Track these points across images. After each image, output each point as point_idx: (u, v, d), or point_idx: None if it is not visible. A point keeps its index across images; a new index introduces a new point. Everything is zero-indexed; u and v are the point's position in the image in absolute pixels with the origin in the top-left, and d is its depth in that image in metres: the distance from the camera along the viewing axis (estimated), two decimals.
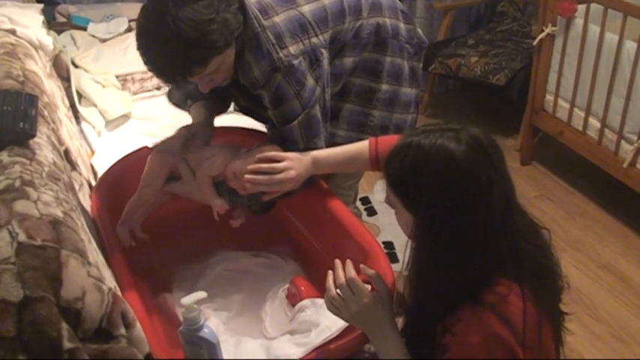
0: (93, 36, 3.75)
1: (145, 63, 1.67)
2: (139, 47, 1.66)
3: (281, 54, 1.78)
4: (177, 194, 1.99)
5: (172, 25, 1.57)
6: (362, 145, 1.84)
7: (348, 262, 1.51)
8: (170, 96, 2.19)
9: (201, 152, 1.93)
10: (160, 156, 1.93)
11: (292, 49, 1.79)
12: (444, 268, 1.33)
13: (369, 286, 1.49)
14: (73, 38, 3.66)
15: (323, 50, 1.87)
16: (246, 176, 1.80)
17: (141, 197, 1.93)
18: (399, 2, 2.13)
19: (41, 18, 2.80)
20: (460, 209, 1.29)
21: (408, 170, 1.33)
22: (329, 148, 1.92)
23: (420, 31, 2.16)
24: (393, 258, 2.77)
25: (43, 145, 1.62)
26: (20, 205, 1.29)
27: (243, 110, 2.13)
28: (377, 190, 3.55)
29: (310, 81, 1.84)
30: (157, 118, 3.02)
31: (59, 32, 3.63)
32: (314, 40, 1.84)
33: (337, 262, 1.51)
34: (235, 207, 1.95)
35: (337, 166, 1.92)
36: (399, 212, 1.41)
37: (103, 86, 3.13)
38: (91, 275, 1.28)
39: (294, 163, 1.82)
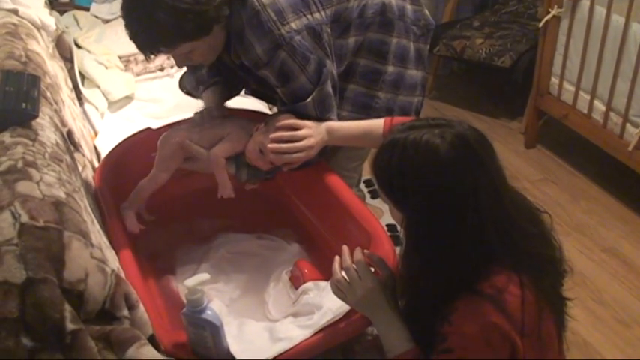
0: (96, 16, 3.73)
1: (126, 31, 1.72)
2: (123, 18, 1.71)
3: (282, 30, 1.76)
4: (191, 170, 1.99)
5: (150, 6, 1.63)
6: (377, 122, 1.84)
7: (358, 249, 1.51)
8: (181, 83, 2.21)
9: (214, 129, 1.93)
10: (173, 141, 1.93)
11: (294, 24, 1.78)
12: (433, 265, 1.33)
13: (373, 269, 1.49)
14: (75, 19, 3.65)
15: (325, 26, 1.85)
16: (269, 146, 1.83)
17: (156, 182, 1.94)
18: None
19: None
20: (446, 207, 1.29)
21: (394, 169, 1.33)
22: (343, 121, 1.94)
23: (427, 12, 2.13)
24: (396, 240, 2.75)
25: (45, 126, 1.62)
26: (23, 186, 1.28)
27: (254, 93, 2.14)
28: None
29: (316, 56, 1.82)
30: (160, 99, 3.02)
31: (62, 13, 3.62)
32: (316, 15, 1.83)
33: (345, 247, 1.52)
34: (251, 180, 1.97)
35: (350, 139, 1.92)
36: (391, 208, 1.42)
37: (106, 67, 3.13)
38: (94, 257, 1.28)
39: (312, 131, 1.85)
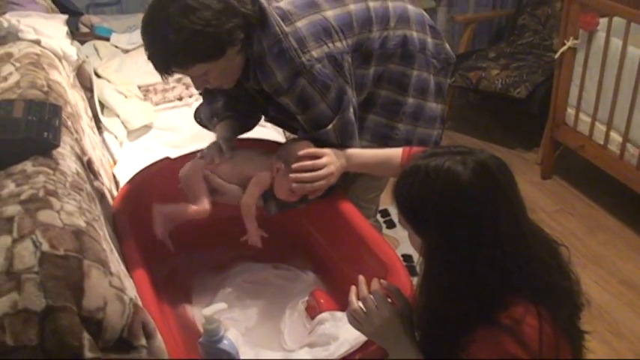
0: (116, 46, 3.78)
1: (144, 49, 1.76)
2: (141, 34, 1.75)
3: (303, 58, 1.78)
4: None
5: (163, 26, 1.67)
6: (395, 151, 1.85)
7: (375, 279, 1.51)
8: (197, 114, 2.23)
9: (237, 165, 1.96)
10: (196, 173, 1.96)
11: (315, 52, 1.80)
12: (451, 294, 1.32)
13: (389, 300, 1.49)
14: (96, 49, 3.70)
15: (346, 55, 1.86)
16: (291, 175, 1.84)
17: (191, 209, 1.95)
18: (427, 16, 2.12)
19: (65, 29, 2.82)
20: (466, 234, 1.28)
21: (415, 195, 1.33)
22: (362, 149, 1.95)
23: (447, 46, 2.14)
24: (412, 271, 2.76)
25: (66, 155, 1.63)
26: (44, 215, 1.30)
27: (273, 120, 2.14)
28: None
29: (337, 84, 1.83)
30: (178, 128, 3.04)
31: (82, 42, 3.66)
32: (338, 44, 1.84)
33: (361, 278, 1.51)
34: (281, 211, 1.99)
35: (368, 167, 1.94)
36: (410, 234, 1.41)
37: (126, 97, 3.15)
38: (113, 285, 1.29)
39: (332, 158, 1.86)
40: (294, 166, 1.85)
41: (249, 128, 2.17)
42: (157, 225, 1.92)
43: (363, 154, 1.92)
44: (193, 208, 1.93)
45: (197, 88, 1.94)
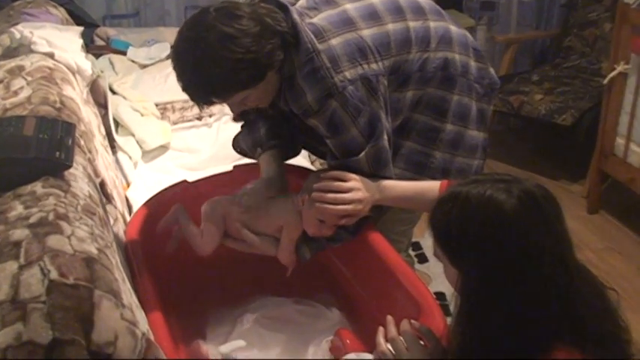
0: (132, 61, 3.82)
1: (177, 79, 1.76)
2: (173, 66, 1.76)
3: (336, 79, 1.78)
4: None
5: (200, 58, 1.68)
6: (432, 184, 1.84)
7: (405, 320, 1.49)
8: (235, 143, 2.24)
9: (266, 215, 1.95)
10: (212, 216, 1.96)
11: (348, 73, 1.79)
12: (488, 335, 1.30)
13: (421, 342, 1.47)
14: (111, 63, 3.74)
15: (381, 78, 1.86)
16: (314, 194, 1.84)
17: (191, 244, 1.96)
18: (471, 38, 2.11)
19: (80, 41, 2.86)
20: (507, 268, 1.27)
21: (453, 223, 1.32)
22: (396, 180, 1.93)
23: (492, 71, 2.13)
24: (445, 311, 2.73)
25: (78, 177, 1.64)
26: (53, 240, 1.30)
27: (302, 145, 2.15)
28: (429, 235, 3.51)
29: (370, 107, 1.83)
30: (196, 150, 3.05)
31: (97, 56, 3.71)
32: (373, 65, 1.83)
33: (389, 318, 1.50)
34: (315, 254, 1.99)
35: (402, 200, 1.92)
36: (446, 266, 1.40)
37: (142, 115, 3.18)
38: (125, 318, 1.28)
39: (360, 184, 1.85)
40: (316, 185, 1.85)
41: (297, 153, 2.19)
42: (166, 221, 1.96)
43: (397, 186, 1.91)
44: (198, 243, 1.95)
45: (234, 112, 1.95)
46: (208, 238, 1.94)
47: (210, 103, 1.79)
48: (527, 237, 1.26)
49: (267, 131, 2.09)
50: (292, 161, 2.19)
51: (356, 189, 1.84)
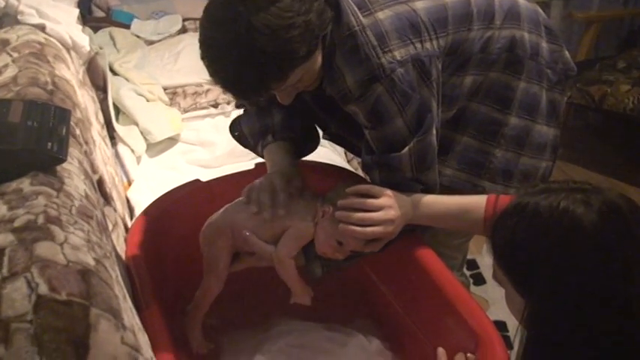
0: (137, 36, 3.84)
1: (211, 75, 1.68)
2: (204, 57, 1.67)
3: (383, 59, 1.76)
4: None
5: (245, 35, 1.58)
6: (477, 199, 1.82)
7: (460, 354, 1.49)
8: (234, 127, 2.20)
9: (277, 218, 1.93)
10: (219, 234, 1.95)
11: (398, 53, 1.77)
12: None
13: None
14: (112, 38, 3.75)
15: (435, 59, 1.83)
16: (338, 214, 1.81)
17: (208, 288, 1.96)
18: (542, 14, 2.09)
19: (76, 12, 2.86)
20: (586, 297, 1.25)
21: (519, 241, 1.31)
22: (435, 195, 1.90)
23: (567, 54, 2.11)
24: (506, 342, 2.71)
25: (73, 173, 1.64)
26: (43, 248, 1.30)
27: (334, 138, 2.14)
28: (487, 252, 3.49)
29: (420, 96, 1.80)
30: (211, 143, 3.07)
31: (95, 30, 3.72)
32: (427, 44, 1.81)
33: (441, 350, 1.50)
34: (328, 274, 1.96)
35: (440, 219, 1.90)
36: (508, 293, 1.39)
37: (147, 100, 3.19)
38: (125, 342, 1.29)
39: (393, 202, 1.81)
40: (340, 202, 1.82)
41: (307, 153, 2.17)
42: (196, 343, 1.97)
43: (436, 202, 1.87)
44: (207, 283, 1.96)
45: (286, 101, 1.83)
46: (216, 276, 1.95)
47: (266, 93, 1.70)
48: (610, 258, 1.25)
49: (283, 121, 2.07)
50: (325, 159, 2.19)
51: (387, 206, 1.80)
